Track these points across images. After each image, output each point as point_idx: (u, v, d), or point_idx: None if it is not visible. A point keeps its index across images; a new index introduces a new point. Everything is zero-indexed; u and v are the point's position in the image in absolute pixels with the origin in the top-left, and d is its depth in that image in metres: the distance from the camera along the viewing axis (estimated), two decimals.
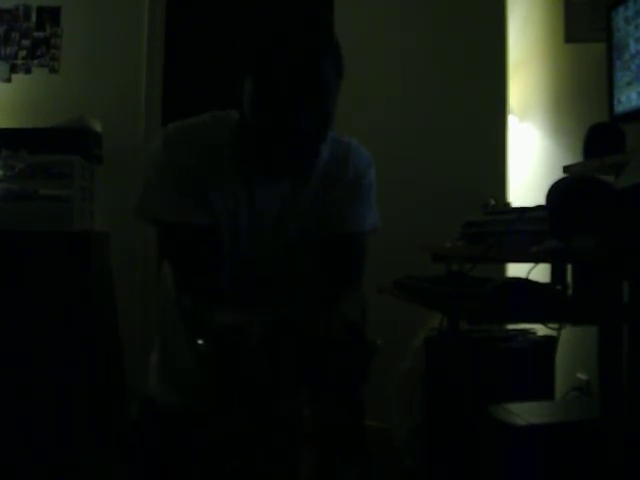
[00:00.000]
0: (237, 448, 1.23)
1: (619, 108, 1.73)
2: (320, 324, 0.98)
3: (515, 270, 2.43)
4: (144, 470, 1.36)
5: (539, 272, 1.62)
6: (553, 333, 1.96)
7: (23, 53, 3.14)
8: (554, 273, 1.72)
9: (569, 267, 1.65)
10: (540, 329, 2.05)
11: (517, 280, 1.51)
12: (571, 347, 2.14)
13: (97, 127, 2.88)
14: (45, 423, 2.40)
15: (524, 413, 1.54)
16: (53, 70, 3.12)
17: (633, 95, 1.66)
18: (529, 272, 1.61)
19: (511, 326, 2.16)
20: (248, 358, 1.07)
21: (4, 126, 2.88)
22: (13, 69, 3.13)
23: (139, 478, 1.38)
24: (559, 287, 1.63)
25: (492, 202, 2.16)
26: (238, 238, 1.26)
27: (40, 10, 3.15)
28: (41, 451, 2.33)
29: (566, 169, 1.88)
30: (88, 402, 2.45)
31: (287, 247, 1.30)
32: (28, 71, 3.13)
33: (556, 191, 1.46)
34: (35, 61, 3.13)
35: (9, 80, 3.13)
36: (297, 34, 1.09)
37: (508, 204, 2.30)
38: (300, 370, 0.99)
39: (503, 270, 2.61)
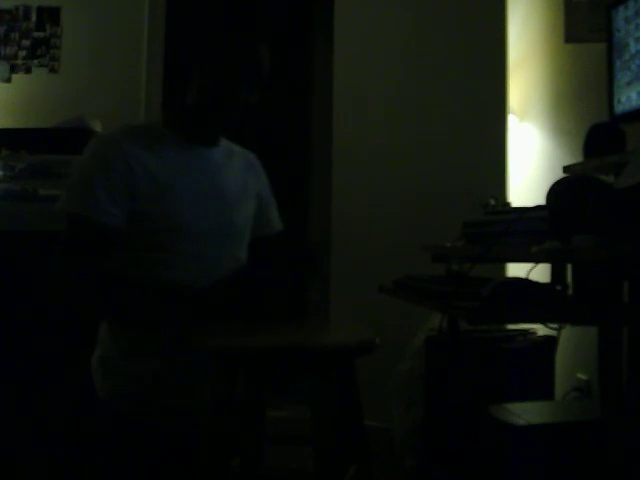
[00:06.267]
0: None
1: (619, 108, 1.73)
2: None
3: (515, 270, 2.43)
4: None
5: (539, 272, 1.62)
6: (553, 333, 1.96)
7: (23, 53, 3.14)
8: (554, 273, 1.72)
9: (569, 267, 1.65)
10: (540, 329, 2.05)
11: (517, 280, 1.51)
12: (571, 347, 2.14)
13: (97, 127, 2.88)
14: (44, 423, 2.40)
15: (524, 413, 1.54)
16: (53, 70, 3.12)
17: (633, 95, 1.66)
18: (529, 272, 1.61)
19: (511, 326, 2.15)
20: None
21: (4, 126, 2.88)
22: (13, 69, 3.13)
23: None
24: (559, 287, 1.63)
25: (492, 202, 2.16)
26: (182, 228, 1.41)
27: (40, 10, 3.15)
28: (39, 453, 2.33)
29: (566, 169, 1.88)
30: (88, 400, 2.45)
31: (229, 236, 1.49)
32: (28, 71, 3.13)
33: (556, 191, 1.46)
34: (35, 61, 3.13)
35: (9, 80, 3.13)
36: (240, 43, 1.43)
37: (508, 204, 2.29)
38: None
39: (503, 270, 2.61)
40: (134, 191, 1.36)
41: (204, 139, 1.51)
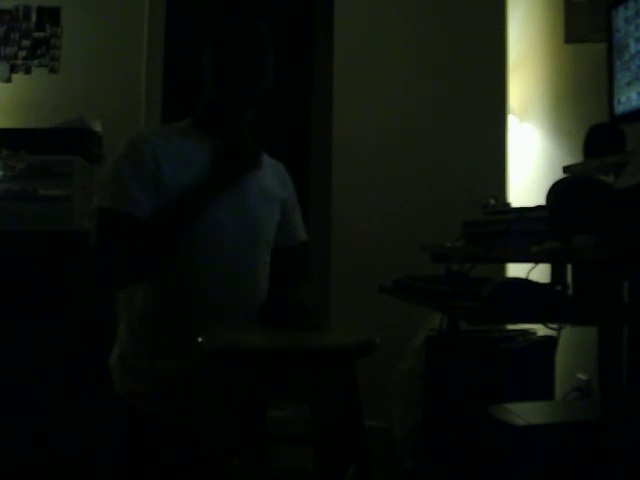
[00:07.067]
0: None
1: (619, 108, 1.73)
2: None
3: (515, 270, 2.43)
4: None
5: (539, 272, 1.62)
6: (553, 333, 1.96)
7: (23, 53, 3.14)
8: (554, 273, 1.72)
9: (569, 267, 1.65)
10: (540, 329, 2.05)
11: (517, 280, 1.51)
12: (571, 347, 2.14)
13: (97, 127, 2.88)
14: (45, 423, 2.40)
15: (524, 413, 1.54)
16: (53, 70, 3.12)
17: (633, 95, 1.66)
18: (529, 272, 1.61)
19: (511, 326, 2.15)
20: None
21: (4, 126, 2.88)
22: (13, 69, 3.13)
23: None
24: (559, 287, 1.63)
25: (492, 202, 2.16)
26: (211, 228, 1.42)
27: (40, 10, 3.15)
28: (42, 452, 2.33)
29: (566, 169, 1.88)
30: (88, 401, 2.45)
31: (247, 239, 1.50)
32: (28, 71, 3.13)
33: (556, 191, 1.47)
34: (35, 61, 3.13)
35: (9, 80, 3.12)
36: (243, 26, 1.48)
37: (508, 204, 2.30)
38: None
39: (503, 270, 2.61)
40: (160, 187, 1.38)
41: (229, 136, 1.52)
